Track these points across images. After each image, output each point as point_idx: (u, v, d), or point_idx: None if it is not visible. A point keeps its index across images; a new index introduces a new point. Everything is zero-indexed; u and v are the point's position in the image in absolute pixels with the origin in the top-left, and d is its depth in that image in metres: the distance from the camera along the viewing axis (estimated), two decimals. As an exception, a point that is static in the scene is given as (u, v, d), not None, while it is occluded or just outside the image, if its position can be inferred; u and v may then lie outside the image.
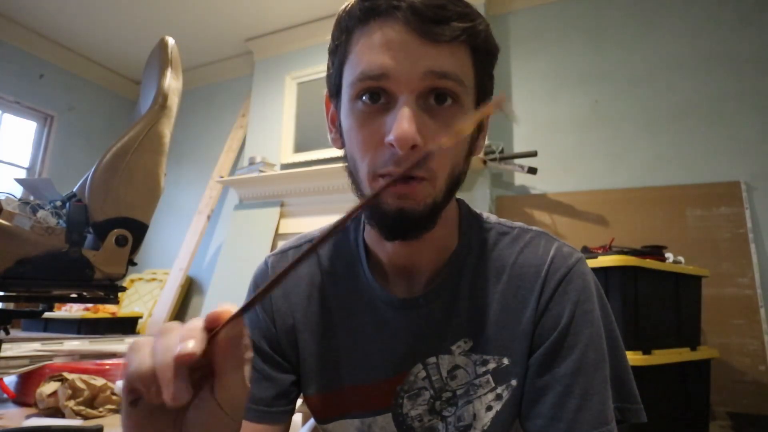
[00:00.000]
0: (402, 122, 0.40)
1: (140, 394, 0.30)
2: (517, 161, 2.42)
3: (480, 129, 0.51)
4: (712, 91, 2.25)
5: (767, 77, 2.16)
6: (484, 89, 0.48)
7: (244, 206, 3.14)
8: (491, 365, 0.49)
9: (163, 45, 1.27)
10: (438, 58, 0.42)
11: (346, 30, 0.46)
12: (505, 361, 0.49)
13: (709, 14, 2.32)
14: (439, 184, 0.44)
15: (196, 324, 0.29)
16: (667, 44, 2.38)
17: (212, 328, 0.30)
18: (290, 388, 0.55)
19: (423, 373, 0.51)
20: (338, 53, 0.47)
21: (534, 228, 0.54)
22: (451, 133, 0.43)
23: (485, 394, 0.49)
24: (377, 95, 0.43)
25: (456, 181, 0.47)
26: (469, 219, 0.55)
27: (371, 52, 0.43)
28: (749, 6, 2.25)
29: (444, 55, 0.42)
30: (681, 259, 1.69)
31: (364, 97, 0.44)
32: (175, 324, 0.30)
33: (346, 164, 0.49)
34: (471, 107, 0.46)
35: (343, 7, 0.46)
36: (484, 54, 0.46)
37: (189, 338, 0.28)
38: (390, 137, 0.41)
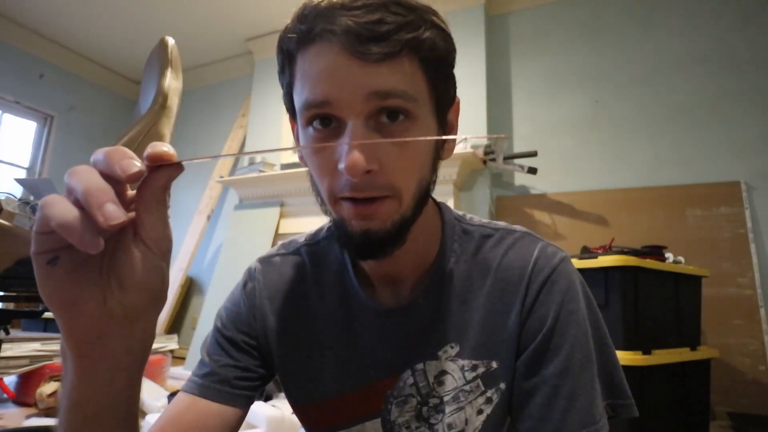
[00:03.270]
0: (351, 151, 0.38)
1: (58, 251, 0.29)
2: (517, 161, 2.42)
3: (448, 129, 0.49)
4: (712, 91, 2.25)
5: (767, 77, 2.16)
6: (441, 96, 0.46)
7: (244, 206, 3.14)
8: (480, 369, 0.49)
9: (163, 45, 1.27)
10: (380, 77, 0.40)
11: (287, 54, 0.44)
12: (494, 364, 0.49)
13: (709, 14, 2.32)
14: (406, 200, 0.43)
15: (121, 151, 0.29)
16: (667, 44, 2.38)
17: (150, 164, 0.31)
18: (257, 376, 0.55)
19: (411, 380, 0.51)
20: (285, 76, 0.46)
21: (518, 228, 0.54)
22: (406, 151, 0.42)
23: (476, 398, 0.49)
24: (327, 120, 0.42)
25: (424, 194, 0.46)
26: (452, 223, 0.54)
27: (312, 80, 0.41)
28: (749, 6, 2.25)
29: (386, 73, 0.40)
30: (681, 259, 1.69)
31: (314, 123, 0.42)
32: (84, 167, 0.29)
33: (313, 187, 0.48)
34: (428, 118, 0.44)
35: (283, 28, 0.45)
36: (435, 61, 0.43)
37: (129, 161, 0.28)
38: (341, 165, 0.39)
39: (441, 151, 0.48)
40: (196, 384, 0.52)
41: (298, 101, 0.44)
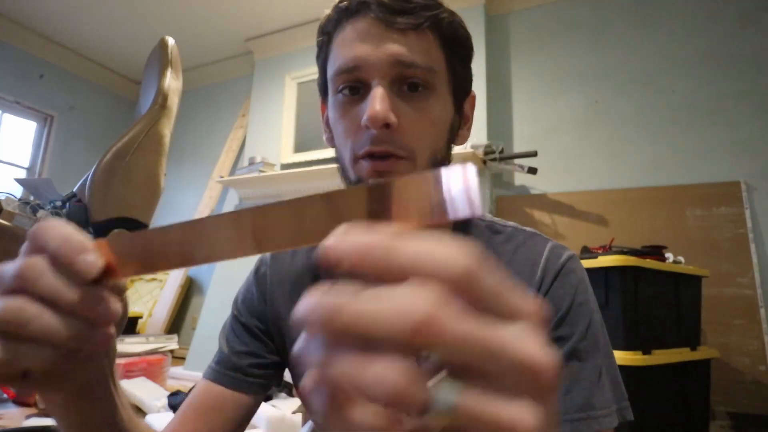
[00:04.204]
0: (373, 103, 0.44)
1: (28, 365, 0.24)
2: (517, 161, 2.42)
3: (464, 119, 0.53)
4: (712, 91, 2.25)
5: (767, 77, 2.16)
6: (459, 78, 0.51)
7: (244, 206, 3.14)
8: None
9: (163, 45, 1.27)
10: (404, 45, 0.46)
11: (326, 34, 0.51)
12: None
13: (709, 14, 2.32)
14: (420, 163, 0.46)
15: (83, 244, 0.24)
16: (667, 44, 2.38)
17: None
18: (270, 363, 0.56)
19: None
20: (321, 56, 0.52)
21: (527, 228, 0.55)
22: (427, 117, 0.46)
23: None
24: (356, 88, 0.47)
25: (438, 166, 0.47)
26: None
27: (345, 47, 0.47)
28: (749, 6, 2.25)
29: (410, 43, 0.46)
30: (681, 259, 1.69)
31: (343, 90, 0.48)
32: (36, 263, 0.24)
33: (337, 160, 0.52)
34: (446, 93, 0.49)
35: (325, 15, 0.51)
36: (452, 40, 0.49)
37: (86, 256, 0.23)
38: (364, 118, 0.44)
39: (456, 134, 0.52)
40: (212, 370, 0.55)
41: (330, 71, 0.49)
